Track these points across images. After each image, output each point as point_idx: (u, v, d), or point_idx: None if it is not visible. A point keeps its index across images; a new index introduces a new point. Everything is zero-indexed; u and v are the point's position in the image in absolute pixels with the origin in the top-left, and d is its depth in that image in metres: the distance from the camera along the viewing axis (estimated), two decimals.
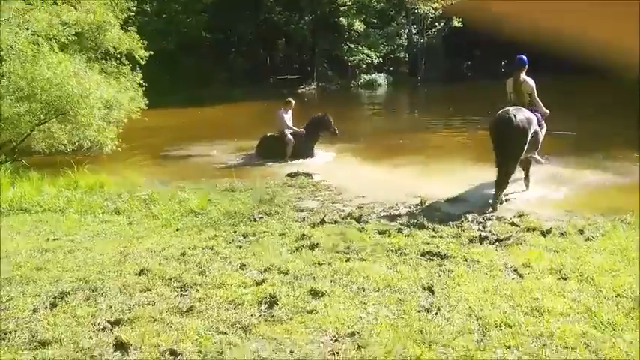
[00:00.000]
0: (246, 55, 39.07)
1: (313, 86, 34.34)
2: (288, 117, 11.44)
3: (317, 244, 5.24)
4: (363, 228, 5.91)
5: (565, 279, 4.17)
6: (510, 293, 3.87)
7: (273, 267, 4.55)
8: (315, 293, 3.92)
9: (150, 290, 4.14)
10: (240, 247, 5.36)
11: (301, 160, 10.82)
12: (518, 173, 7.63)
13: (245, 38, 38.40)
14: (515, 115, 6.94)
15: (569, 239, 5.34)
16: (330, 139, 11.65)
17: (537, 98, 7.49)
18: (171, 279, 4.35)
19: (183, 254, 5.06)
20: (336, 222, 6.22)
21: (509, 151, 7.01)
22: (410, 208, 6.95)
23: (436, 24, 38.27)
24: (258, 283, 4.19)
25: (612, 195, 7.52)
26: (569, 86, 23.22)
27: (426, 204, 7.03)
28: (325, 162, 11.07)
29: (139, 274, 4.50)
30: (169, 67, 34.36)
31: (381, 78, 35.58)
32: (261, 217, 6.56)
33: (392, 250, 5.07)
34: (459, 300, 3.77)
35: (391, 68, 39.33)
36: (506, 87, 7.65)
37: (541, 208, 6.81)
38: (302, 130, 11.37)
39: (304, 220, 6.41)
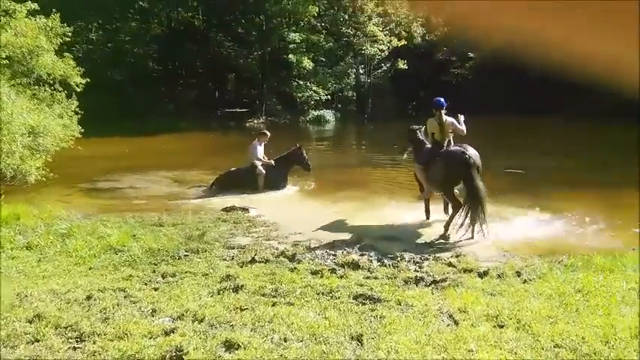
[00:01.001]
0: (194, 87, 38.67)
1: (262, 120, 34.12)
2: (261, 149, 11.08)
3: (242, 286, 4.81)
4: (295, 268, 5.53)
5: (502, 327, 3.91)
6: (444, 344, 3.56)
7: (188, 313, 4.07)
8: (230, 345, 3.48)
9: (38, 342, 3.57)
10: (156, 289, 4.84)
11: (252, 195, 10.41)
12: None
13: (194, 71, 38.10)
14: (471, 154, 7.30)
15: (507, 282, 5.15)
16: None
17: (462, 127, 7.86)
18: (67, 327, 3.79)
19: (88, 297, 4.49)
20: (267, 261, 5.81)
21: (472, 186, 7.15)
22: (347, 245, 6.64)
23: (382, 65, 39.30)
24: (167, 333, 3.70)
25: (550, 235, 7.49)
26: (529, 125, 24.12)
27: (364, 242, 6.74)
28: (272, 196, 10.58)
29: (31, 322, 3.91)
30: (116, 96, 33.55)
31: (329, 114, 35.89)
32: (187, 255, 6.06)
33: (323, 293, 4.70)
34: (388, 352, 3.43)
35: (339, 106, 39.78)
36: (428, 127, 8.03)
37: (479, 248, 6.67)
38: (272, 161, 11.08)
39: (233, 258, 5.96)
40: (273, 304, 4.38)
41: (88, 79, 15.29)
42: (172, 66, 37.26)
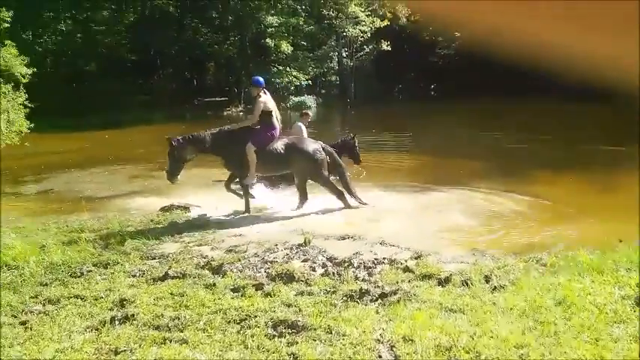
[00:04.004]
0: (171, 77, 37.40)
1: (240, 108, 32.98)
2: (305, 131, 9.79)
3: (133, 315, 3.77)
4: (213, 284, 4.49)
5: None
6: None
7: None
8: None
9: None
10: (23, 323, 3.80)
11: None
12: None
13: (170, 60, 36.75)
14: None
15: (472, 291, 4.14)
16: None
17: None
18: None
19: None
20: (184, 275, 4.76)
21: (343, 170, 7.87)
22: (290, 249, 5.59)
23: (364, 47, 38.00)
24: None
25: (529, 226, 6.51)
26: (519, 106, 22.95)
27: (310, 244, 5.70)
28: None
29: None
30: (87, 89, 32.43)
31: (310, 100, 34.66)
32: (90, 271, 5.00)
33: (235, 321, 3.68)
34: None
35: (323, 91, 38.60)
36: (268, 105, 7.48)
37: (444, 245, 5.66)
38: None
39: (144, 274, 4.90)
40: (163, 342, 3.36)
41: (35, 69, 14.18)
42: (147, 55, 35.88)
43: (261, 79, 7.78)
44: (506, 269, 4.63)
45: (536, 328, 3.37)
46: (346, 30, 36.04)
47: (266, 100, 7.48)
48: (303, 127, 9.88)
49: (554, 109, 21.02)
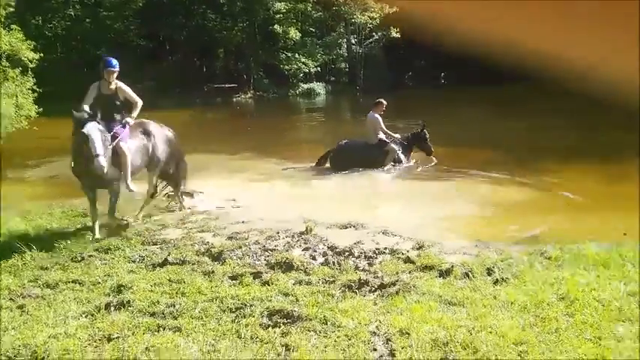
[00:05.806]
0: (181, 63, 37.26)
1: (249, 95, 32.90)
2: (381, 122, 9.56)
3: (129, 301, 3.75)
4: (212, 271, 4.46)
5: None
6: None
7: (26, 351, 3.01)
8: None
9: None
10: (21, 307, 3.80)
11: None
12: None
13: (179, 46, 36.62)
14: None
15: (473, 284, 4.08)
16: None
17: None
18: None
19: None
20: (183, 262, 4.73)
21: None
22: (292, 237, 5.55)
23: (374, 34, 37.54)
24: None
25: (536, 216, 6.40)
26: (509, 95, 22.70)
27: (312, 232, 5.64)
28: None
29: None
30: (97, 74, 32.25)
31: (319, 87, 34.52)
32: (91, 256, 4.99)
33: (230, 310, 3.64)
34: None
35: (332, 78, 38.29)
36: (133, 92, 6.62)
37: (448, 236, 5.57)
38: (397, 136, 9.74)
39: (144, 259, 4.88)
40: (157, 330, 3.34)
41: (42, 54, 14.18)
42: (155, 41, 35.78)
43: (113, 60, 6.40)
44: (510, 262, 4.55)
45: (537, 324, 3.30)
46: (355, 16, 35.61)
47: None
48: (379, 118, 9.48)
49: (567, 97, 20.69)
